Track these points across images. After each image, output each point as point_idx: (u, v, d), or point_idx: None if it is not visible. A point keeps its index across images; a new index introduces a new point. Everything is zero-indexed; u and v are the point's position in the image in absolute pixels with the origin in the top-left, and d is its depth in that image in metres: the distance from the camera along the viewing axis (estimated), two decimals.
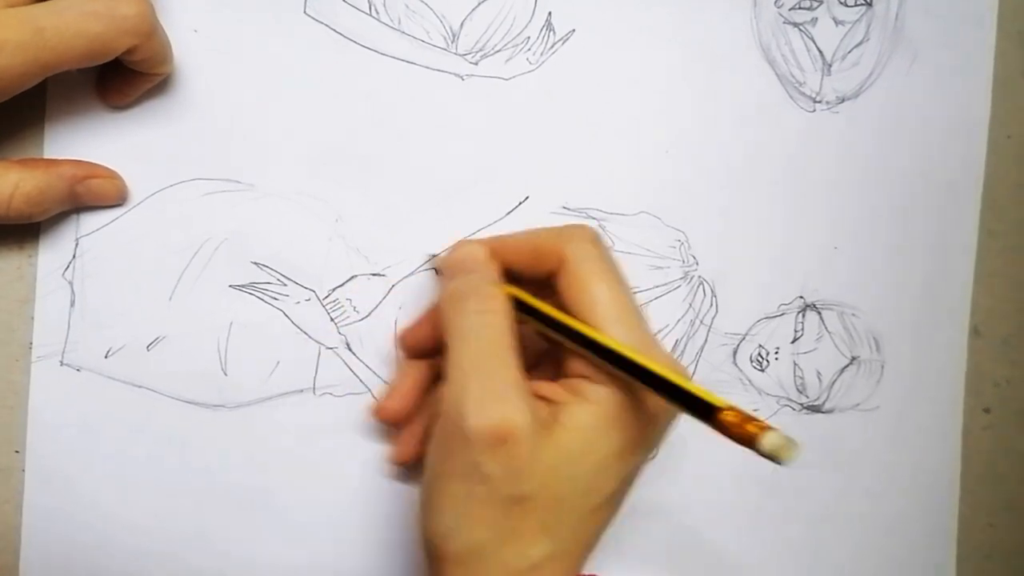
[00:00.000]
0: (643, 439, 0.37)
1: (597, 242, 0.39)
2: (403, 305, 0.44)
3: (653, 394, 0.35)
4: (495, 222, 0.45)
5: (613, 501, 0.37)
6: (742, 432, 0.30)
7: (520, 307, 0.39)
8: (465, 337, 0.37)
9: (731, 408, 0.31)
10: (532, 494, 0.35)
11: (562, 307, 0.38)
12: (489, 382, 0.35)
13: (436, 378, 0.43)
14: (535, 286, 0.40)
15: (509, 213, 0.45)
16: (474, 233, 0.45)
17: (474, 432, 0.34)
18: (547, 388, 0.38)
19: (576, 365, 0.37)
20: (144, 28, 0.36)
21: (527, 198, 0.45)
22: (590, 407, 0.36)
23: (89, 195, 0.41)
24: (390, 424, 0.43)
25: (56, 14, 0.35)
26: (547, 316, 0.38)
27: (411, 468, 0.44)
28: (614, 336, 0.36)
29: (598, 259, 0.38)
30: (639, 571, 0.47)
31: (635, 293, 0.45)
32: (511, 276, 0.40)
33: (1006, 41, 0.49)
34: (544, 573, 0.36)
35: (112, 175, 0.41)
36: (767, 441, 0.30)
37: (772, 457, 0.30)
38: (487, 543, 0.35)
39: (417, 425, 0.43)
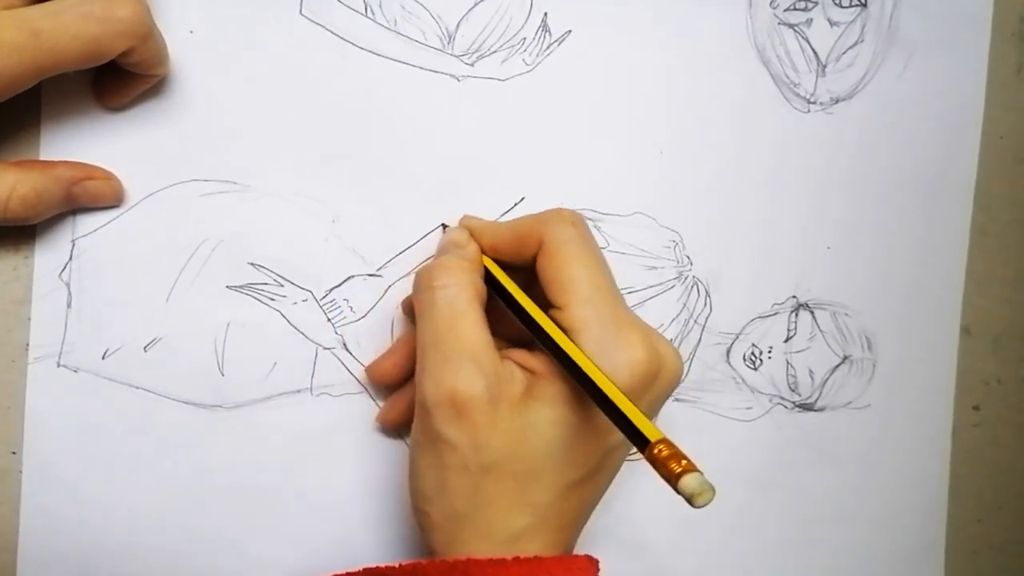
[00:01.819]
0: None
1: (577, 223, 0.40)
2: (400, 305, 0.44)
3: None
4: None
5: (595, 479, 0.38)
6: (666, 468, 0.31)
7: (491, 284, 0.40)
8: (424, 312, 0.38)
9: (663, 441, 0.31)
10: (499, 462, 0.35)
11: (542, 289, 0.39)
12: (442, 354, 0.36)
13: None
14: (525, 273, 0.40)
15: (505, 213, 0.45)
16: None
17: (431, 404, 0.36)
18: (531, 359, 0.38)
19: None
20: (140, 30, 0.36)
21: (523, 199, 0.45)
22: (564, 382, 0.36)
23: (86, 197, 0.40)
24: (380, 384, 0.44)
25: (53, 16, 0.35)
26: (509, 297, 0.39)
27: (396, 432, 0.45)
28: (581, 315, 0.37)
29: (575, 239, 0.39)
30: (630, 568, 0.48)
31: (630, 292, 0.46)
32: (498, 264, 0.41)
33: (1000, 42, 0.49)
34: (527, 544, 0.36)
35: (109, 176, 0.41)
36: (686, 483, 0.30)
37: (688, 499, 0.30)
38: (466, 511, 0.36)
39: (407, 391, 0.43)
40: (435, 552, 0.38)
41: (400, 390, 0.44)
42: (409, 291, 0.44)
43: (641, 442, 0.32)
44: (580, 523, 0.39)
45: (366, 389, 0.44)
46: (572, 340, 0.36)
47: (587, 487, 0.38)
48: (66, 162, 0.40)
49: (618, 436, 0.37)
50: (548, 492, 0.36)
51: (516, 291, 0.39)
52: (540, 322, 0.37)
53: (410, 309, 0.43)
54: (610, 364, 0.36)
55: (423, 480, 0.37)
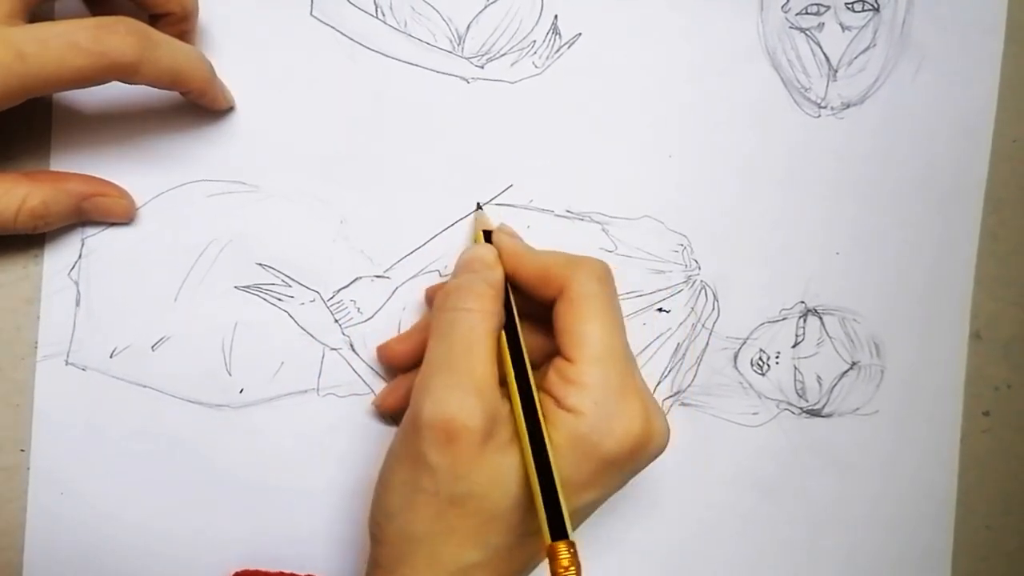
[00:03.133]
0: (596, 481, 0.37)
1: (604, 279, 0.39)
2: (407, 307, 0.44)
3: None
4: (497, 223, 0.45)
5: None
6: (553, 570, 0.33)
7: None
8: (441, 331, 0.38)
9: (566, 544, 0.33)
10: (471, 496, 0.35)
11: (554, 334, 0.39)
12: (451, 379, 0.36)
13: None
14: (543, 308, 0.40)
15: (492, 198, 0.45)
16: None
17: (425, 424, 0.35)
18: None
19: (550, 381, 0.38)
20: (127, 61, 0.36)
21: (531, 201, 0.45)
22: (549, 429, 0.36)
23: (96, 212, 0.41)
24: (389, 365, 0.44)
25: (40, 43, 0.35)
26: (511, 342, 0.39)
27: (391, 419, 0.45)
28: (588, 374, 0.37)
29: (599, 296, 0.38)
30: (637, 572, 0.48)
31: (637, 296, 0.46)
32: (517, 290, 0.41)
33: (1013, 45, 0.49)
34: None
35: (120, 194, 0.41)
36: None
37: None
38: (423, 535, 0.36)
39: (411, 379, 0.43)
40: (379, 566, 0.37)
41: (404, 376, 0.44)
42: (415, 293, 0.44)
43: (554, 531, 0.33)
44: (528, 571, 0.39)
45: (372, 390, 0.44)
46: (574, 396, 0.36)
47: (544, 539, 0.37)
48: (79, 176, 0.41)
49: (585, 497, 0.37)
50: (506, 535, 0.36)
51: (508, 342, 0.39)
52: (515, 376, 0.37)
53: (431, 299, 0.43)
54: (605, 428, 0.36)
55: (390, 494, 0.37)
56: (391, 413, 0.44)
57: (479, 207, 0.45)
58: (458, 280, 0.40)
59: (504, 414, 0.37)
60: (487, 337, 0.37)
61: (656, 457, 0.38)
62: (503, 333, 0.39)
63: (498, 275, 0.40)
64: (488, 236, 0.43)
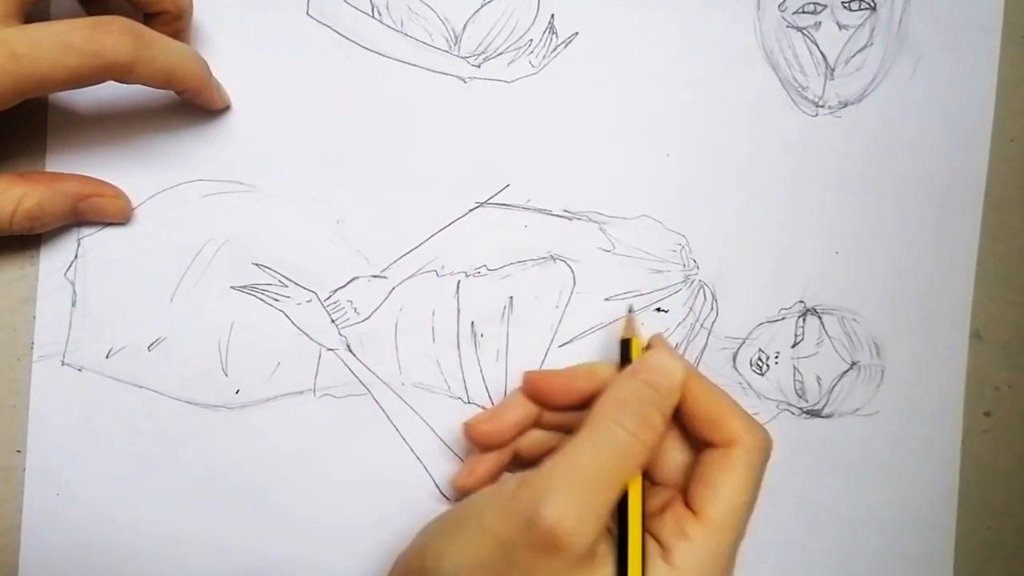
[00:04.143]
0: None
1: (768, 456, 0.38)
2: (404, 307, 0.44)
3: None
4: (496, 224, 0.45)
5: None
6: None
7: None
8: (597, 440, 0.36)
9: None
10: None
11: (693, 478, 0.38)
12: (586, 496, 0.34)
13: (538, 423, 0.42)
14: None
15: (491, 197, 0.45)
16: (481, 234, 0.45)
17: (538, 523, 0.34)
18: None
19: (663, 524, 0.37)
20: (122, 61, 0.36)
21: (528, 200, 0.45)
22: None
23: (92, 212, 0.41)
24: (480, 445, 0.42)
25: (33, 43, 0.35)
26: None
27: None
28: (703, 533, 0.36)
29: (757, 470, 0.38)
30: None
31: (636, 296, 0.46)
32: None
33: (1011, 44, 0.49)
34: None
35: (116, 194, 0.41)
36: None
37: None
38: None
39: (494, 460, 0.42)
40: None
41: (484, 457, 0.42)
42: (411, 294, 0.44)
43: None
44: None
45: (369, 391, 0.44)
46: (683, 553, 0.36)
47: None
48: (74, 176, 0.41)
49: None
50: None
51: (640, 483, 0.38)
52: (634, 536, 0.36)
53: (532, 386, 0.42)
54: None
55: (455, 552, 0.35)
56: (465, 492, 0.42)
57: (631, 309, 0.44)
58: (636, 390, 0.38)
59: (601, 542, 0.35)
60: (635, 469, 0.36)
61: None
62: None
63: (673, 403, 0.39)
64: (627, 342, 0.41)
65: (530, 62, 0.45)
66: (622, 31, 0.45)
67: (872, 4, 0.47)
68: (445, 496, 0.44)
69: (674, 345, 0.47)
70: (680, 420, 0.40)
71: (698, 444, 0.39)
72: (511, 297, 0.45)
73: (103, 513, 0.42)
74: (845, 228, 0.48)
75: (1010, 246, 0.50)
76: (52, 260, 0.42)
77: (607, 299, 0.46)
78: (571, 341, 0.46)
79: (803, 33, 0.47)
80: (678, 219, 0.46)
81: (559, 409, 0.42)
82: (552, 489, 0.34)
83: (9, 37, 0.34)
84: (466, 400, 0.45)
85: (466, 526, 0.36)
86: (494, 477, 0.42)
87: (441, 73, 0.44)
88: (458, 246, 0.44)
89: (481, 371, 0.45)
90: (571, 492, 0.34)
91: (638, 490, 0.37)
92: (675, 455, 0.41)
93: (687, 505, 0.37)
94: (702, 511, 0.36)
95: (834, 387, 0.49)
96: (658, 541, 0.36)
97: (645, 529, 0.37)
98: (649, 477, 0.40)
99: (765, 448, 0.38)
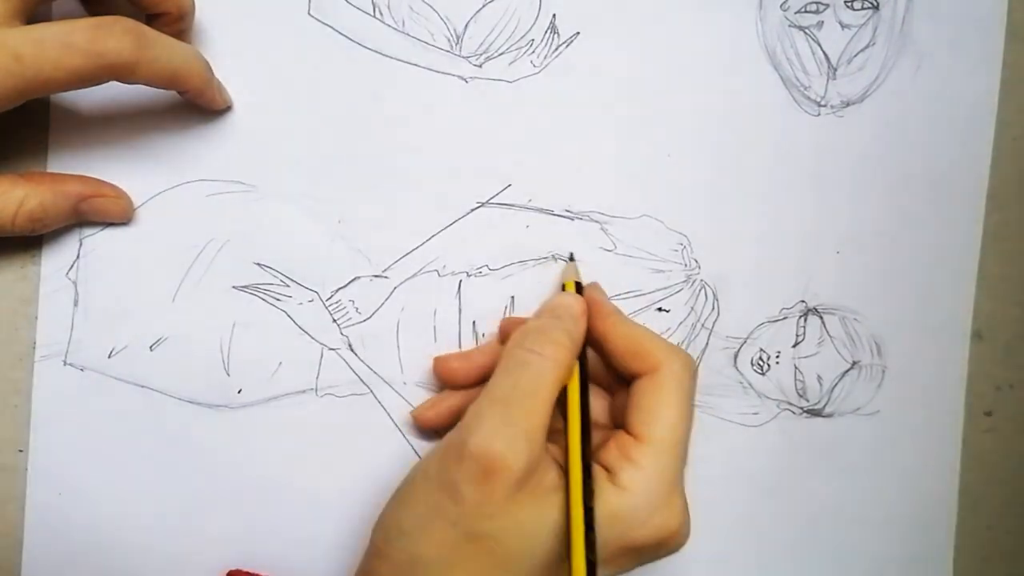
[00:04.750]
0: (614, 560, 0.37)
1: (695, 375, 0.40)
2: (405, 306, 0.44)
3: None
4: (496, 224, 0.45)
5: None
6: None
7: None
8: (509, 368, 0.38)
9: None
10: (489, 537, 0.35)
11: (626, 407, 0.39)
12: (507, 417, 0.36)
13: None
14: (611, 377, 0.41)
15: (492, 198, 0.45)
16: (483, 234, 0.45)
17: (468, 454, 0.35)
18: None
19: (608, 451, 0.38)
20: (124, 62, 0.36)
21: (530, 200, 0.45)
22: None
23: (93, 213, 0.41)
24: (446, 381, 0.43)
25: (35, 43, 0.35)
26: (582, 399, 0.38)
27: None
28: (648, 456, 0.37)
29: (687, 388, 0.39)
30: (636, 571, 0.47)
31: (637, 296, 0.46)
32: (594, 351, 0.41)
33: (1014, 43, 0.49)
34: None
35: (118, 195, 0.41)
36: None
37: None
38: (431, 561, 0.35)
39: (456, 398, 0.43)
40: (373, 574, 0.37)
41: (449, 394, 0.43)
42: (413, 293, 0.44)
43: None
44: None
45: (371, 390, 0.44)
46: (628, 474, 0.37)
47: None
48: (77, 177, 0.41)
49: (609, 570, 0.37)
50: None
51: (577, 399, 0.39)
52: (577, 438, 0.37)
53: (506, 330, 0.43)
54: (644, 516, 0.36)
55: (408, 511, 0.37)
56: (428, 428, 0.44)
57: (572, 258, 0.45)
58: (540, 322, 0.40)
59: (545, 467, 0.36)
60: (553, 386, 0.37)
61: (670, 555, 0.39)
62: (570, 389, 0.38)
63: (580, 329, 0.40)
64: (579, 288, 0.43)
65: (532, 62, 0.45)
66: (624, 31, 0.45)
67: (875, 3, 0.47)
68: None
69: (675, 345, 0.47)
70: (608, 362, 0.41)
71: (630, 381, 0.40)
72: (512, 297, 0.45)
73: (105, 512, 0.42)
74: (847, 227, 0.48)
75: (1012, 246, 0.50)
76: (54, 260, 0.42)
77: (609, 299, 0.46)
78: None
79: (805, 32, 0.47)
80: (679, 219, 0.46)
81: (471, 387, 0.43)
82: (476, 419, 0.36)
83: (11, 38, 0.34)
84: None
85: (414, 484, 0.37)
86: (454, 417, 0.42)
87: (443, 73, 0.44)
88: (460, 246, 0.45)
89: None
90: (493, 416, 0.36)
91: (576, 414, 0.38)
92: (615, 401, 0.42)
93: (629, 434, 0.38)
94: (642, 434, 0.37)
95: (835, 387, 0.49)
96: (603, 466, 0.37)
97: (591, 457, 0.37)
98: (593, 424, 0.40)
99: (689, 366, 0.39)
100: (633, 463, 0.37)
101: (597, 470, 0.37)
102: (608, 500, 0.36)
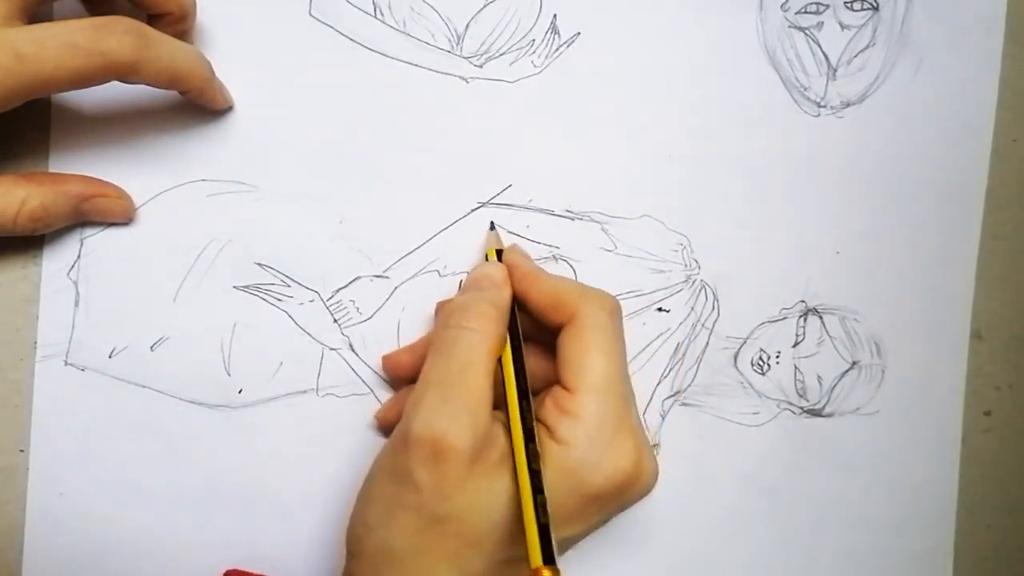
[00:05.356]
0: (579, 516, 0.37)
1: (614, 314, 0.39)
2: (406, 307, 0.44)
3: None
4: (498, 224, 0.45)
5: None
6: None
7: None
8: (440, 348, 0.38)
9: (552, 571, 0.32)
10: (452, 518, 0.35)
11: (556, 363, 0.38)
12: (445, 397, 0.36)
13: None
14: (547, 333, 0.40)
15: (493, 198, 0.45)
16: (484, 234, 0.45)
17: (414, 440, 0.35)
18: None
19: (546, 409, 0.37)
20: (127, 61, 0.36)
21: (531, 200, 0.45)
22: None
23: (94, 213, 0.41)
24: (392, 375, 0.44)
25: (37, 43, 0.35)
26: (516, 366, 0.38)
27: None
28: (586, 405, 0.37)
29: (606, 328, 0.38)
30: (634, 571, 0.48)
31: (637, 296, 0.46)
32: (524, 313, 0.41)
33: (1013, 44, 0.49)
34: None
35: (119, 195, 0.41)
36: None
37: None
38: (401, 551, 0.35)
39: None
40: None
41: (408, 388, 0.43)
42: (414, 293, 0.44)
43: (545, 556, 0.33)
44: None
45: (372, 390, 0.44)
46: (567, 427, 0.36)
47: (519, 567, 0.36)
48: (78, 177, 0.41)
49: (567, 531, 0.37)
50: (482, 560, 0.35)
51: (512, 364, 0.38)
52: (516, 400, 0.37)
53: (390, 361, 0.43)
54: (593, 463, 0.36)
55: (372, 507, 0.37)
56: (392, 426, 0.43)
57: (492, 226, 0.45)
58: (464, 298, 0.40)
59: (495, 437, 0.36)
60: (486, 358, 0.37)
61: (642, 498, 0.38)
62: (504, 356, 0.38)
63: (505, 296, 0.40)
64: (500, 255, 0.43)
65: (532, 62, 0.45)
66: (624, 31, 0.45)
67: (874, 4, 0.47)
68: None
69: (675, 345, 0.47)
70: (536, 320, 0.41)
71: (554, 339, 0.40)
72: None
73: (106, 513, 0.42)
74: (847, 228, 0.48)
75: (1011, 246, 0.50)
76: (55, 260, 0.42)
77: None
78: None
79: (805, 33, 0.47)
80: (680, 219, 0.47)
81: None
82: (415, 404, 0.36)
83: (13, 37, 0.34)
84: None
85: (373, 481, 0.37)
86: None
87: (443, 73, 0.44)
88: (460, 246, 0.45)
89: None
90: (431, 398, 0.36)
91: (511, 380, 0.38)
92: (540, 367, 0.41)
93: (563, 388, 0.38)
94: (573, 384, 0.37)
95: (835, 387, 0.49)
96: (544, 425, 0.37)
97: (535, 419, 0.37)
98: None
99: (607, 306, 0.39)
100: (570, 415, 0.36)
101: (540, 429, 0.37)
102: (554, 457, 0.36)
